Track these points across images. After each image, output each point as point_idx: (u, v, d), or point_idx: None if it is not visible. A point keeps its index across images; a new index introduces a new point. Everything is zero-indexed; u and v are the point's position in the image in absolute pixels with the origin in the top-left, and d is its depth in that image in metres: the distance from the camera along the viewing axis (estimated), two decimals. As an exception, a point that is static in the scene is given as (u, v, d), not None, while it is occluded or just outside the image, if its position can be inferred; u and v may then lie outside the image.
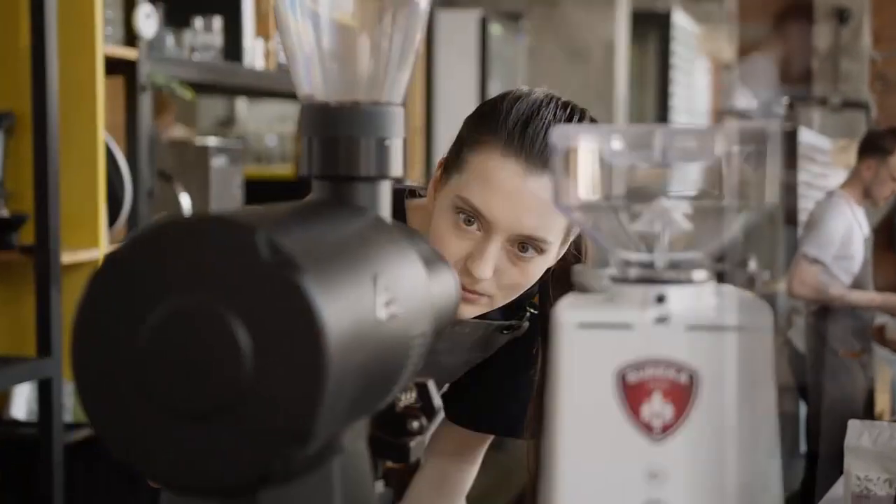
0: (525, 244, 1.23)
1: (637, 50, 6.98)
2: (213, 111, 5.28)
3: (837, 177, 8.46)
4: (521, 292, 1.29)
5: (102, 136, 2.52)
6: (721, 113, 7.61)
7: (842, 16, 8.86)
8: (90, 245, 2.51)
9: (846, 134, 8.03)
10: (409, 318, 0.70)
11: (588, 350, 0.67)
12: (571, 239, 1.31)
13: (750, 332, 0.66)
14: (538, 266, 1.26)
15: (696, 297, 0.68)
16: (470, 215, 1.23)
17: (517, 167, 1.22)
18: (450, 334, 1.34)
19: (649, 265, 0.69)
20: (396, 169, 0.77)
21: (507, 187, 1.22)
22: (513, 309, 1.39)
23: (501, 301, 1.28)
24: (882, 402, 4.75)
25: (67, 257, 2.41)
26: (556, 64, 5.70)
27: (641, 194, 0.70)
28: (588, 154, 0.69)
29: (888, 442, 1.80)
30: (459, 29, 5.09)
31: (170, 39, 2.95)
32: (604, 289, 0.72)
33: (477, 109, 1.30)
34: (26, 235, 2.40)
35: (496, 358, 1.43)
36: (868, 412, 4.42)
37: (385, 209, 0.77)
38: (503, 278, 1.25)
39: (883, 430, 1.81)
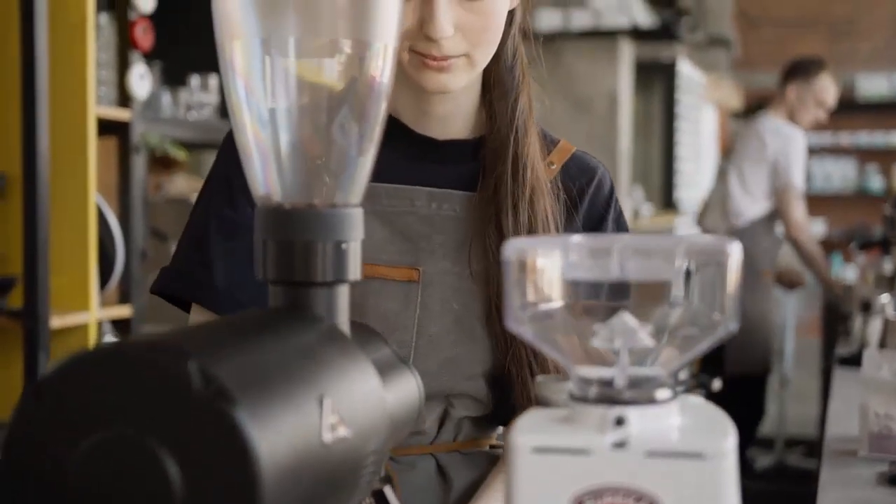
0: None
1: (642, 99, 6.98)
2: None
3: (709, 111, 8.47)
4: (497, 41, 1.21)
5: (94, 198, 2.50)
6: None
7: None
8: (81, 308, 2.49)
9: (708, 70, 8.07)
10: (361, 438, 0.67)
11: (543, 476, 0.63)
12: None
13: (713, 458, 0.62)
14: (497, 3, 1.19)
15: (658, 419, 0.65)
16: None
17: None
18: (440, 222, 1.25)
19: (609, 382, 0.66)
20: (355, 272, 0.75)
21: None
22: None
23: (482, 58, 1.21)
24: None
25: (57, 321, 2.38)
26: (559, 115, 5.69)
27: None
28: (543, 267, 0.66)
29: (913, 373, 1.58)
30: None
31: (166, 98, 2.94)
32: (564, 403, 0.69)
33: None
34: (15, 299, 2.38)
35: None
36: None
37: (342, 314, 0.75)
38: (467, 30, 1.17)
39: (906, 361, 1.60)
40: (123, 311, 2.66)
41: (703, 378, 3.77)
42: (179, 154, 2.80)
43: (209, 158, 5.02)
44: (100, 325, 2.62)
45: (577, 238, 0.67)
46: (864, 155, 9.78)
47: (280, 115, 0.74)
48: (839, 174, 9.81)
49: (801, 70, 4.53)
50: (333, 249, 0.73)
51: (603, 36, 5.66)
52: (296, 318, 0.71)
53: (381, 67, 0.74)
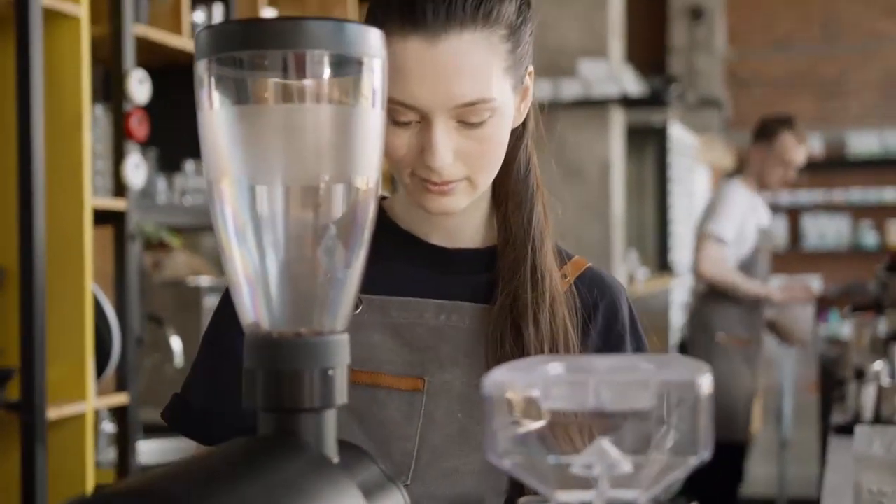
0: (470, 113, 1.15)
1: (635, 163, 7.04)
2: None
3: (702, 172, 8.54)
4: (499, 163, 1.21)
5: (90, 289, 2.52)
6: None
7: (696, 13, 8.98)
8: (77, 398, 2.50)
9: (700, 131, 8.14)
10: (348, 567, 0.69)
11: None
12: (525, 79, 1.23)
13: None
14: (497, 127, 1.18)
15: (637, 545, 0.66)
16: (399, 112, 1.14)
17: (420, 41, 1.12)
18: (448, 333, 1.23)
19: (589, 509, 0.68)
20: (341, 397, 0.77)
21: (417, 65, 1.12)
22: None
23: (483, 178, 1.20)
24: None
25: (54, 412, 2.39)
26: (552, 183, 5.73)
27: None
28: (522, 399, 0.68)
29: (905, 448, 1.56)
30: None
31: (161, 183, 2.98)
32: (548, 528, 0.71)
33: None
34: (12, 391, 2.39)
35: None
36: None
37: (330, 439, 0.77)
38: (466, 156, 1.17)
39: (897, 436, 1.58)
40: (120, 399, 2.67)
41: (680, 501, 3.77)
42: (174, 241, 2.83)
43: (204, 240, 5.07)
44: (97, 414, 2.63)
45: (554, 368, 0.69)
46: (858, 211, 9.84)
47: (267, 247, 0.76)
48: (833, 231, 9.86)
49: (763, 132, 4.52)
50: (320, 376, 0.75)
51: (594, 105, 5.72)
52: (284, 446, 0.73)
53: (366, 197, 0.77)
